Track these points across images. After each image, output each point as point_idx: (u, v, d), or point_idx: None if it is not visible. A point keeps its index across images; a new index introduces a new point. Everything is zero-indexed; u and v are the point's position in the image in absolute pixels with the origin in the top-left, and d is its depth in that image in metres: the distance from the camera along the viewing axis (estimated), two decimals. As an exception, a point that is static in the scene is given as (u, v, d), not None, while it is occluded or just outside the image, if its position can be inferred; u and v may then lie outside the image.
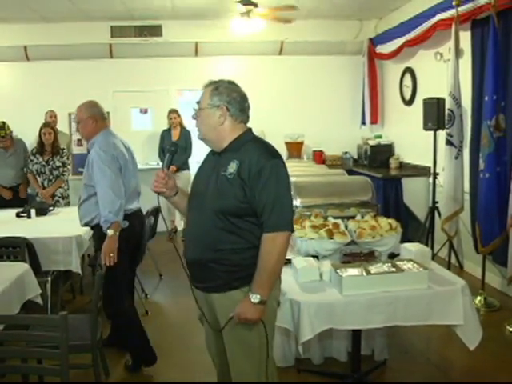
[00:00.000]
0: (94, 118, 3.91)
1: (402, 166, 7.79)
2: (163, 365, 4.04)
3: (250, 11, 6.87)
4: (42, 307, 4.27)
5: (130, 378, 3.91)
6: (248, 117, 2.62)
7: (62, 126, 7.62)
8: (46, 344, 2.71)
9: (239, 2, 6.72)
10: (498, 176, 4.87)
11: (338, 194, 4.20)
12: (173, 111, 7.88)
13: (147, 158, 8.40)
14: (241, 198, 2.41)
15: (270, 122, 8.29)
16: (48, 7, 7.22)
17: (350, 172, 7.10)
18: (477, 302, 4.91)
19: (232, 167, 2.44)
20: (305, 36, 8.32)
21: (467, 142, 5.73)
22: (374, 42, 8.32)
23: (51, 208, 5.75)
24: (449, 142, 5.60)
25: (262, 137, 8.83)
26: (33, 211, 5.54)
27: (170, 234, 7.65)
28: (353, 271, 3.03)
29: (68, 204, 6.34)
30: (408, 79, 7.61)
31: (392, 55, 7.64)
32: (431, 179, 6.22)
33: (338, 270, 3.03)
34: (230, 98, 2.50)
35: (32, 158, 6.15)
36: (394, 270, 3.05)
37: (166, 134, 7.94)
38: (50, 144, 6.11)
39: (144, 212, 5.35)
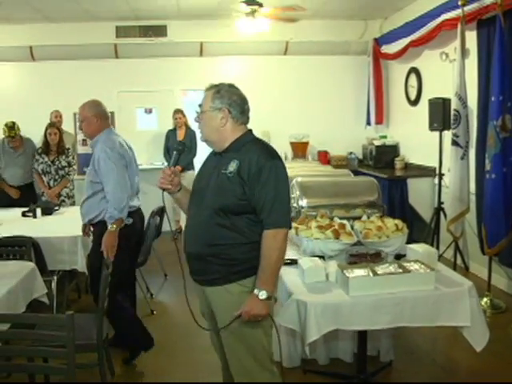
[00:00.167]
0: (97, 117, 3.97)
1: (407, 166, 7.77)
2: (167, 364, 4.07)
3: (255, 11, 6.87)
4: (48, 306, 4.29)
5: (136, 377, 3.92)
6: (248, 118, 2.71)
7: (67, 125, 7.63)
8: (52, 343, 2.71)
9: (244, 1, 6.72)
10: (504, 177, 4.85)
11: (343, 195, 4.19)
12: (178, 111, 7.88)
13: (152, 157, 8.43)
14: (239, 196, 2.51)
15: (274, 122, 8.32)
16: (53, 7, 7.22)
17: (355, 172, 7.08)
18: (483, 303, 4.88)
19: (232, 166, 2.54)
20: (310, 36, 8.31)
21: (473, 142, 5.71)
22: (379, 42, 8.30)
23: (57, 207, 5.77)
24: (455, 143, 5.59)
25: (267, 137, 8.88)
26: (38, 211, 5.55)
27: (175, 234, 7.65)
28: (359, 272, 3.02)
29: (73, 203, 6.34)
30: (413, 79, 7.59)
31: (397, 55, 7.62)
32: (437, 180, 6.22)
33: (344, 271, 3.02)
34: (231, 100, 2.60)
35: (38, 157, 6.17)
36: (400, 270, 3.04)
37: (171, 134, 7.94)
38: (55, 144, 6.13)
39: (149, 212, 5.39)
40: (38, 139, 6.69)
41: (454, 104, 5.55)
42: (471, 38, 5.72)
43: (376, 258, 3.32)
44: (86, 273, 4.77)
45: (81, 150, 8.24)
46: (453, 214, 5.72)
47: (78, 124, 4.10)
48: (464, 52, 5.55)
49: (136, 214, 4.14)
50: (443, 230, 5.95)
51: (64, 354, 2.57)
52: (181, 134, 7.83)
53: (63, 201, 6.21)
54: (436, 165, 6.17)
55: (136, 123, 8.72)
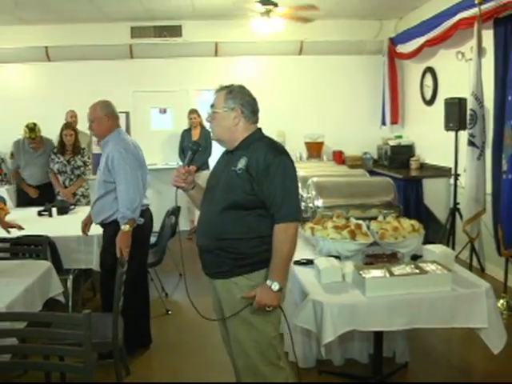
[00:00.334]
0: (108, 117, 4.00)
1: (422, 166, 7.72)
2: (181, 363, 4.09)
3: (270, 11, 6.86)
4: (64, 305, 4.32)
5: (150, 376, 3.93)
6: (258, 118, 2.80)
7: (82, 125, 7.59)
8: (68, 341, 2.73)
9: (259, 1, 6.72)
10: (521, 177, 4.81)
11: (359, 195, 4.17)
12: (193, 111, 7.88)
13: (167, 157, 8.46)
14: (248, 191, 2.60)
15: (289, 122, 8.33)
16: (69, 9, 7.27)
17: (370, 172, 7.05)
18: (499, 305, 4.83)
19: (241, 163, 2.63)
20: (324, 36, 8.28)
21: (489, 142, 5.66)
22: (394, 41, 8.26)
23: (72, 207, 5.80)
24: (471, 143, 5.55)
25: (283, 137, 8.85)
26: (54, 210, 5.59)
27: (190, 234, 7.68)
28: (376, 273, 3.01)
29: (89, 203, 6.35)
30: (429, 79, 7.55)
31: (412, 55, 7.59)
32: (452, 180, 6.17)
33: (360, 272, 3.01)
34: (244, 100, 2.70)
35: (53, 157, 6.20)
36: (417, 271, 3.02)
37: (186, 133, 7.95)
38: (71, 144, 6.17)
39: (165, 211, 5.41)
40: (53, 139, 6.72)
41: (471, 104, 5.51)
42: (488, 36, 5.66)
43: (392, 258, 3.30)
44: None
45: (96, 149, 8.23)
46: (469, 214, 5.68)
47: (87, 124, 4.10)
48: (480, 51, 5.50)
49: (146, 212, 4.18)
50: (459, 230, 5.90)
51: (81, 352, 2.59)
52: (196, 134, 7.84)
53: (78, 200, 6.25)
54: (452, 165, 6.13)
55: (150, 123, 8.75)
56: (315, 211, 4.05)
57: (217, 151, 7.31)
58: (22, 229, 4.32)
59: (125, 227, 3.85)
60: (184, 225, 7.91)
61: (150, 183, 4.31)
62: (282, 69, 8.65)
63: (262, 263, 2.64)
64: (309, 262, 3.39)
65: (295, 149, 8.08)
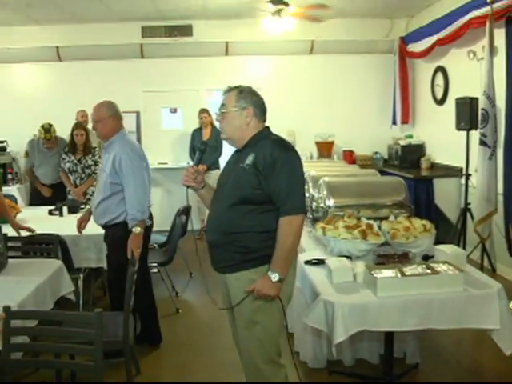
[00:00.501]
0: (113, 118, 4.01)
1: (433, 166, 7.69)
2: (191, 363, 4.09)
3: (281, 10, 6.86)
4: (74, 303, 4.33)
5: (160, 376, 3.93)
6: (266, 117, 2.86)
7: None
8: (79, 340, 2.74)
9: (270, 1, 6.71)
10: (533, 177, 4.78)
11: (370, 195, 4.16)
12: (204, 111, 7.87)
13: (177, 157, 8.46)
14: (255, 186, 2.65)
15: (300, 122, 8.33)
16: (80, 8, 7.30)
17: (381, 172, 7.03)
18: (511, 306, 4.80)
19: (249, 159, 2.69)
20: (335, 35, 8.26)
21: (501, 142, 5.63)
22: (405, 40, 8.23)
23: (83, 206, 5.82)
24: (482, 143, 5.52)
25: (293, 136, 8.85)
26: (65, 209, 5.61)
27: (200, 233, 7.68)
28: (387, 273, 3.00)
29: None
30: (440, 78, 7.51)
31: (423, 54, 7.55)
32: (463, 180, 6.14)
33: (372, 272, 3.00)
34: (254, 100, 2.79)
35: (64, 156, 6.23)
36: (428, 271, 3.01)
37: (196, 133, 7.96)
38: (81, 144, 6.19)
39: (175, 210, 5.42)
40: (64, 138, 6.76)
41: (482, 103, 5.48)
42: (500, 35, 5.63)
43: (403, 258, 3.29)
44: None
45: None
46: (480, 214, 5.65)
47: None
48: (492, 50, 5.48)
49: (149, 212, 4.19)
50: (470, 230, 5.87)
51: (91, 351, 2.60)
52: (206, 134, 7.85)
53: (89, 199, 6.24)
54: (463, 165, 6.10)
55: (161, 123, 8.75)
56: (326, 211, 4.04)
57: (227, 151, 7.33)
58: (33, 231, 4.34)
59: (136, 229, 3.85)
60: (194, 224, 7.92)
61: (153, 182, 4.31)
62: (293, 68, 8.63)
63: (269, 258, 2.67)
64: (320, 262, 3.39)
65: (305, 148, 8.09)
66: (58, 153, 6.42)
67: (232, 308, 2.80)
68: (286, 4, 6.74)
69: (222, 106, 2.82)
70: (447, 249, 3.36)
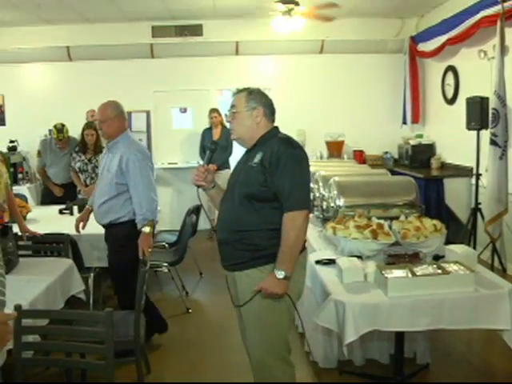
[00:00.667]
0: (119, 118, 4.03)
1: (443, 166, 7.66)
2: (199, 363, 4.10)
3: (291, 10, 6.85)
4: (85, 303, 4.35)
5: (170, 375, 3.93)
6: (275, 117, 2.91)
7: (103, 124, 7.72)
8: (89, 339, 2.75)
9: (280, 1, 6.71)
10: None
11: (381, 195, 4.14)
12: (214, 110, 7.89)
13: (188, 156, 8.48)
14: (261, 183, 2.68)
15: (310, 121, 8.33)
16: (90, 8, 7.33)
17: (391, 172, 7.01)
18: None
19: (257, 158, 2.73)
20: (345, 34, 8.25)
21: (512, 141, 5.61)
22: (415, 40, 8.19)
23: (93, 205, 5.83)
24: (493, 142, 5.50)
25: (303, 136, 8.85)
26: (75, 208, 5.63)
27: (210, 233, 7.69)
28: (398, 273, 2.99)
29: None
30: (450, 78, 7.47)
31: (434, 53, 7.52)
32: (474, 180, 6.11)
33: (383, 272, 2.99)
34: (263, 101, 2.85)
35: (75, 155, 6.25)
36: (439, 271, 3.00)
37: (206, 133, 7.97)
38: (92, 144, 6.21)
39: (185, 210, 5.43)
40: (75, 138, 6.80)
41: (493, 103, 5.46)
42: (511, 34, 5.60)
43: (414, 258, 3.28)
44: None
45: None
46: (491, 214, 5.63)
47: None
48: (503, 49, 5.45)
49: None
50: (480, 230, 5.85)
51: (102, 350, 2.61)
52: (216, 133, 7.86)
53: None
54: (473, 165, 6.08)
55: (171, 122, 8.78)
56: (337, 211, 4.03)
57: (238, 151, 7.33)
58: (41, 236, 4.35)
59: (145, 229, 3.86)
60: (205, 223, 7.93)
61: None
62: (303, 68, 8.62)
63: (276, 256, 2.68)
64: (331, 262, 3.38)
65: (316, 148, 8.08)
66: (69, 153, 6.45)
67: (242, 305, 2.79)
68: (297, 3, 6.74)
69: (232, 106, 2.86)
70: (458, 249, 3.35)
